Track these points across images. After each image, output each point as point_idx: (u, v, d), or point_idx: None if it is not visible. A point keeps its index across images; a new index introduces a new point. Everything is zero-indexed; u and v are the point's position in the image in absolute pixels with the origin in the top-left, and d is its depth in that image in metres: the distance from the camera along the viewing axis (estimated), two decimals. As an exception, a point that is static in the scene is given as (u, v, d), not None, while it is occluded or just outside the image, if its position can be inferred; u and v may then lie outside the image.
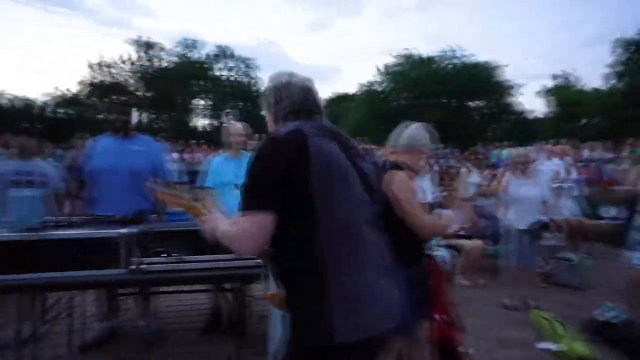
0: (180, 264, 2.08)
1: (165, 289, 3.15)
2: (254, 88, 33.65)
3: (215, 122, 32.98)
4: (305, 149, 1.08)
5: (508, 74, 28.22)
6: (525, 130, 24.30)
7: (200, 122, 33.91)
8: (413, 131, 2.04)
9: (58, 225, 2.10)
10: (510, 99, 28.87)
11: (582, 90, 27.30)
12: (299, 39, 71.50)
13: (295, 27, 72.77)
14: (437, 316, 2.29)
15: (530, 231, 3.54)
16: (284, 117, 1.26)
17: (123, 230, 1.97)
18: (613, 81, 23.88)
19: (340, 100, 37.20)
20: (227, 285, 2.82)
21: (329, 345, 0.98)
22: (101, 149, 2.73)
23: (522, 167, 3.66)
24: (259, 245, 1.09)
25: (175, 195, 1.50)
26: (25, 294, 2.10)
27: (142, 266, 2.01)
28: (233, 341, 2.74)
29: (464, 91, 26.47)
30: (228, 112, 33.36)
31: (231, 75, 33.96)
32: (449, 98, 27.76)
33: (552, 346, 2.87)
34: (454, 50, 28.22)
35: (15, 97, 29.61)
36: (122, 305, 3.14)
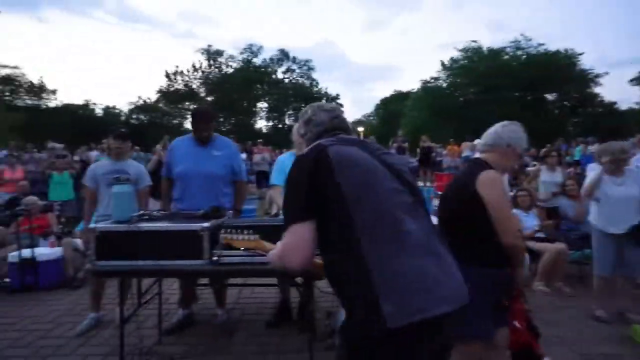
0: (255, 257, 2.20)
1: (240, 281, 3.34)
2: (315, 89, 34.31)
3: (276, 124, 34.18)
4: (324, 157, 1.16)
5: (589, 62, 25.42)
6: (612, 123, 21.63)
7: (263, 123, 35.22)
8: (501, 129, 1.95)
9: (148, 219, 2.33)
10: (593, 90, 25.95)
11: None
12: (357, 38, 71.34)
13: (352, 27, 72.59)
14: (515, 323, 2.15)
15: (628, 236, 3.14)
16: (313, 140, 1.36)
17: (205, 224, 2.13)
18: None
19: (400, 98, 36.35)
20: (298, 280, 2.91)
21: (384, 333, 0.99)
22: (182, 153, 2.94)
23: (615, 165, 3.25)
24: (305, 256, 1.13)
25: (241, 240, 1.65)
26: (123, 278, 2.37)
27: (221, 258, 2.17)
28: (302, 334, 2.84)
29: (537, 83, 24.33)
30: (290, 114, 34.31)
31: (291, 78, 34.96)
32: (522, 91, 25.74)
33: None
34: (522, 40, 26.17)
35: (107, 106, 33.65)
36: (200, 295, 3.39)
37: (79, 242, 4.43)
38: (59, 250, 4.17)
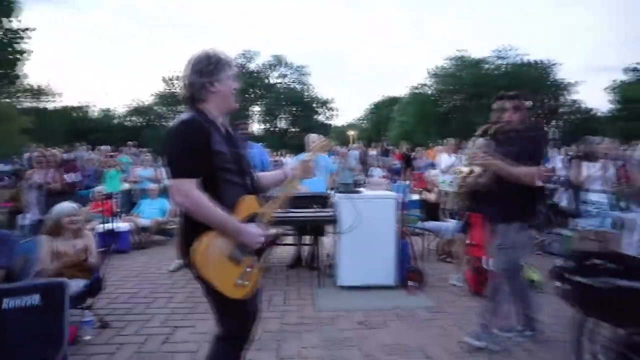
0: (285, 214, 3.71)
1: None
2: (306, 94, 35.82)
3: (268, 127, 35.49)
4: None
5: (572, 70, 27.54)
6: (587, 130, 23.58)
7: (256, 126, 36.42)
8: None
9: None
10: (569, 97, 28.09)
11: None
12: (357, 42, 72.69)
13: (353, 31, 74.02)
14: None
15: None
16: None
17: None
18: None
19: (390, 103, 37.85)
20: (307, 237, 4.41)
21: None
22: None
23: None
24: None
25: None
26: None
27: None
28: (312, 270, 4.34)
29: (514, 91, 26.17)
30: (281, 117, 35.67)
31: (285, 83, 36.33)
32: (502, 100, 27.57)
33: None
34: (507, 50, 28.07)
35: (103, 110, 34.76)
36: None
37: (140, 220, 5.88)
38: (127, 225, 5.62)
